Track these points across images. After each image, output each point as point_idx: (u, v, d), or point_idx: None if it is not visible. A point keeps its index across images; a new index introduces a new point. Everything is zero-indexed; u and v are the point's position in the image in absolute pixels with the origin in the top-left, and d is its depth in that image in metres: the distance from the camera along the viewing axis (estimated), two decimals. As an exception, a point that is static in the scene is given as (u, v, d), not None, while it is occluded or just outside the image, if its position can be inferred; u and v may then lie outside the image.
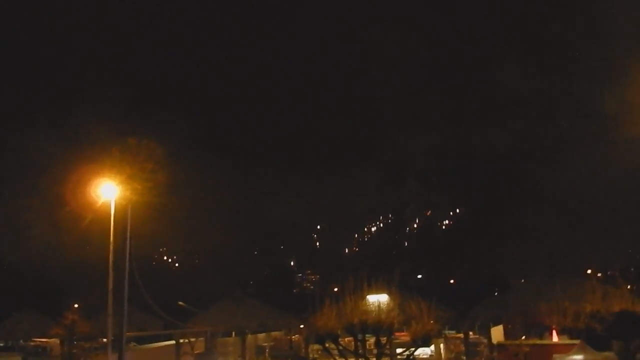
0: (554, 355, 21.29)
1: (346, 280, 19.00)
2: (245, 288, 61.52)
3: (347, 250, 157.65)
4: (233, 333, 34.99)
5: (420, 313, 17.87)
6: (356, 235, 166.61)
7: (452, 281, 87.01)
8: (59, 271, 54.66)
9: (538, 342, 26.19)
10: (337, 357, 18.36)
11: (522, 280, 41.38)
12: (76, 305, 27.90)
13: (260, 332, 38.18)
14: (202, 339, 29.60)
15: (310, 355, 30.34)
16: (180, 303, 41.83)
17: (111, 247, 19.76)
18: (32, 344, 38.75)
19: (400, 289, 21.20)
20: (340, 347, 18.22)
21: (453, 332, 33.13)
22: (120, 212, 20.09)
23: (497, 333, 30.86)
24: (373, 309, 18.40)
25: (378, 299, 19.44)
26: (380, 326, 17.71)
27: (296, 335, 36.64)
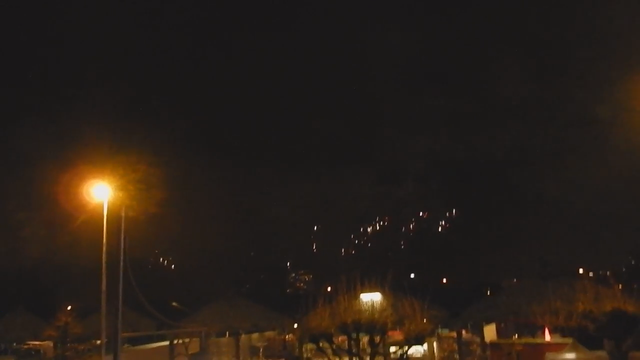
0: (547, 354, 21.48)
1: (339, 280, 19.04)
2: (240, 289, 61.41)
3: (343, 251, 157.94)
4: (227, 333, 34.98)
5: (413, 312, 17.95)
6: (352, 236, 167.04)
7: (444, 281, 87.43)
8: (51, 272, 54.46)
9: (530, 340, 26.38)
10: (330, 357, 18.39)
11: (515, 280, 41.61)
12: (69, 307, 27.74)
13: (254, 332, 38.14)
14: (196, 339, 29.53)
15: (304, 355, 30.32)
16: (174, 304, 41.78)
17: (104, 248, 19.74)
18: (25, 347, 38.52)
19: (393, 289, 21.27)
20: (334, 346, 18.24)
21: (446, 330, 33.20)
22: (114, 212, 20.07)
23: (490, 332, 31.02)
24: (366, 308, 18.46)
25: (371, 298, 19.52)
26: (373, 325, 17.77)
27: (290, 335, 36.61)
